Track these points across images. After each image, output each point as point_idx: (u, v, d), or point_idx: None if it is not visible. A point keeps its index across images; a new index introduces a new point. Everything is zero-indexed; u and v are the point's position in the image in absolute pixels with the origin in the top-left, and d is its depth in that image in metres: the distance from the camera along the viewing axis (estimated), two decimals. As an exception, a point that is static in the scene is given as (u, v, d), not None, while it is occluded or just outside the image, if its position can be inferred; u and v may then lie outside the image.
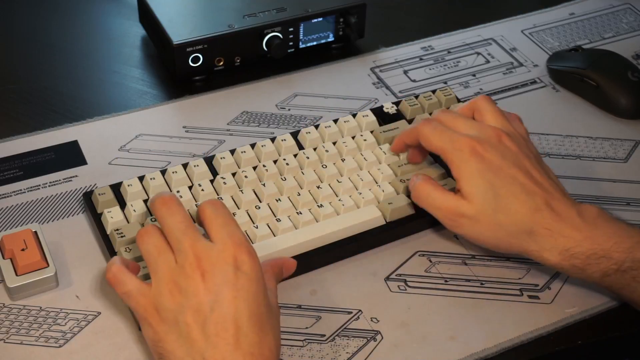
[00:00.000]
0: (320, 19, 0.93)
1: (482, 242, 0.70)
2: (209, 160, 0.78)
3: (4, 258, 0.69)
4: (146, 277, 0.66)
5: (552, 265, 0.67)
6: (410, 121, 0.83)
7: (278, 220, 0.72)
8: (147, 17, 0.94)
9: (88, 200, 0.74)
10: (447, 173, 0.77)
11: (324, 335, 0.68)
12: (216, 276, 0.58)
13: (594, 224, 0.66)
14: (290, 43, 0.93)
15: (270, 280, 0.64)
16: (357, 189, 0.76)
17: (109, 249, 0.70)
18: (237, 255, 0.59)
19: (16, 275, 0.68)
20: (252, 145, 0.79)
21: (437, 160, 0.79)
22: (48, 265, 0.69)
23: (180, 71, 0.89)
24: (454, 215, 0.69)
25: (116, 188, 0.75)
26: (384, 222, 0.74)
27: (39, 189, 0.79)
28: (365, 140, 0.80)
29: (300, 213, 0.73)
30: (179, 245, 0.60)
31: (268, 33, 0.91)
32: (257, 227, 0.71)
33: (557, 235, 0.66)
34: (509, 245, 0.68)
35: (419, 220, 0.75)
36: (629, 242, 0.65)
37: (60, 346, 0.66)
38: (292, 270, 0.69)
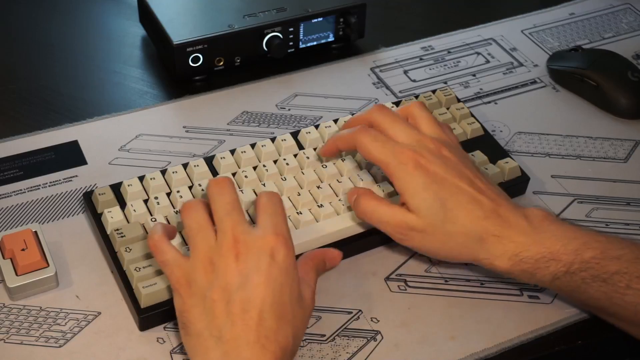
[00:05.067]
0: (320, 19, 0.93)
1: (434, 253, 0.69)
2: (209, 160, 0.78)
3: (4, 258, 0.69)
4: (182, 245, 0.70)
5: (503, 272, 0.67)
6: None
7: (278, 220, 0.72)
8: (147, 17, 0.94)
9: (88, 200, 0.74)
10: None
11: (324, 335, 0.68)
12: (249, 260, 0.60)
13: (540, 227, 0.66)
14: (290, 43, 0.93)
15: (309, 273, 0.66)
16: (357, 189, 0.76)
17: (109, 249, 0.70)
18: (273, 244, 0.60)
19: (16, 275, 0.68)
20: (252, 145, 0.79)
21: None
22: (48, 265, 0.69)
23: (180, 71, 0.89)
24: (403, 229, 0.68)
25: (116, 188, 0.75)
26: (384, 222, 0.74)
27: (39, 189, 0.79)
28: (365, 140, 0.80)
29: (300, 213, 0.73)
30: (221, 225, 0.61)
31: (268, 33, 0.91)
32: (257, 227, 0.71)
33: (505, 241, 0.66)
34: (459, 254, 0.68)
35: (419, 220, 0.75)
36: (576, 243, 0.65)
37: (60, 346, 0.66)
38: (335, 262, 0.70)
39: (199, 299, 0.60)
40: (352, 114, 0.83)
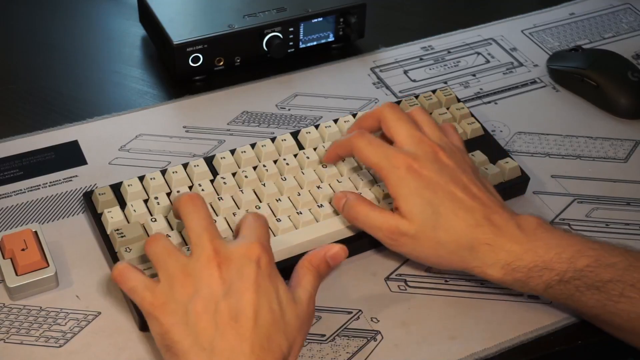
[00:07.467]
0: (320, 19, 0.93)
1: (424, 260, 0.69)
2: (209, 160, 0.78)
3: (4, 258, 0.69)
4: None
5: (495, 281, 0.67)
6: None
7: (278, 220, 0.72)
8: (147, 17, 0.94)
9: (88, 200, 0.74)
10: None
11: (324, 335, 0.68)
12: (232, 268, 0.59)
13: (534, 235, 0.66)
14: (290, 43, 0.93)
15: (305, 276, 0.64)
16: (357, 189, 0.76)
17: (109, 249, 0.70)
18: (259, 252, 0.60)
19: (16, 275, 0.68)
20: (252, 145, 0.79)
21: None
22: (48, 265, 0.69)
23: (180, 71, 0.89)
24: (395, 235, 0.67)
25: (116, 188, 0.75)
26: (384, 222, 0.74)
27: (39, 189, 0.79)
28: (365, 140, 0.80)
29: (300, 213, 0.73)
30: (199, 240, 0.60)
31: (268, 33, 0.91)
32: (257, 227, 0.71)
33: (498, 250, 0.65)
34: (450, 262, 0.67)
35: (419, 220, 0.75)
36: (569, 252, 0.64)
37: (60, 346, 0.66)
38: (339, 258, 0.67)
39: (179, 315, 0.58)
40: (353, 115, 0.83)
